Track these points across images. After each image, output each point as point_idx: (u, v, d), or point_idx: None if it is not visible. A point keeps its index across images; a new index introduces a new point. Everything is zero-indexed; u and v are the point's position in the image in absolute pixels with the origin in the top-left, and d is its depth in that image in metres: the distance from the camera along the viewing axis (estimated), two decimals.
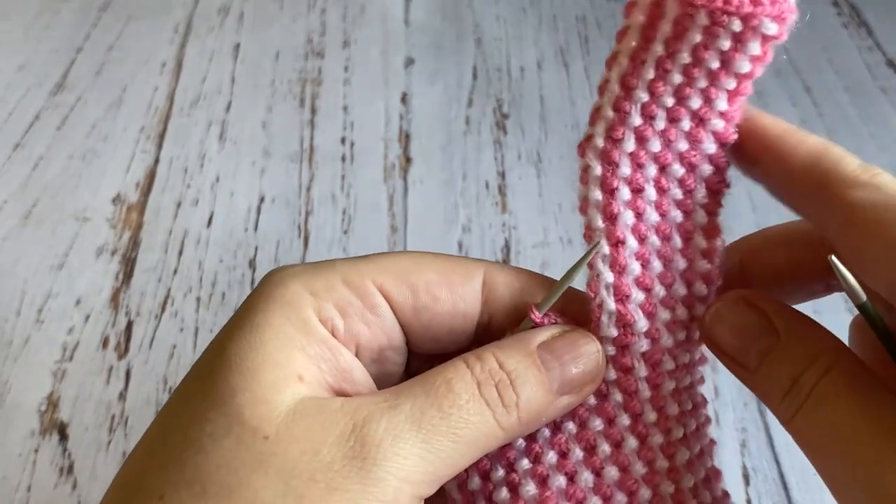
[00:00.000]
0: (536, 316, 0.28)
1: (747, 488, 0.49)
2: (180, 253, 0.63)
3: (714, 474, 0.29)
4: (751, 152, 0.28)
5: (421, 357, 0.29)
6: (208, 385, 0.24)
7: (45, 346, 0.57)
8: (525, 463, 0.28)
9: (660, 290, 0.28)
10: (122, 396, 0.54)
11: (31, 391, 0.55)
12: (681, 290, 0.28)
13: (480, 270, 0.28)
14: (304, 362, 0.25)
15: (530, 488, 0.27)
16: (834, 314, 0.39)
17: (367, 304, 0.26)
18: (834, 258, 0.25)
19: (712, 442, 0.30)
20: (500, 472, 0.28)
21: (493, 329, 0.29)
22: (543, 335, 0.27)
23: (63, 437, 0.52)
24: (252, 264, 0.62)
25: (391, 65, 0.80)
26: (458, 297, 0.27)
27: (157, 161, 0.71)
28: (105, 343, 0.57)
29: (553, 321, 0.28)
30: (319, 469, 0.23)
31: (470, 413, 0.25)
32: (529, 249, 0.62)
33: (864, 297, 0.25)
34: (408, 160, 0.70)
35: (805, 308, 0.28)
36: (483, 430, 0.25)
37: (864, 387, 0.24)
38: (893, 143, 0.68)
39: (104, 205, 0.67)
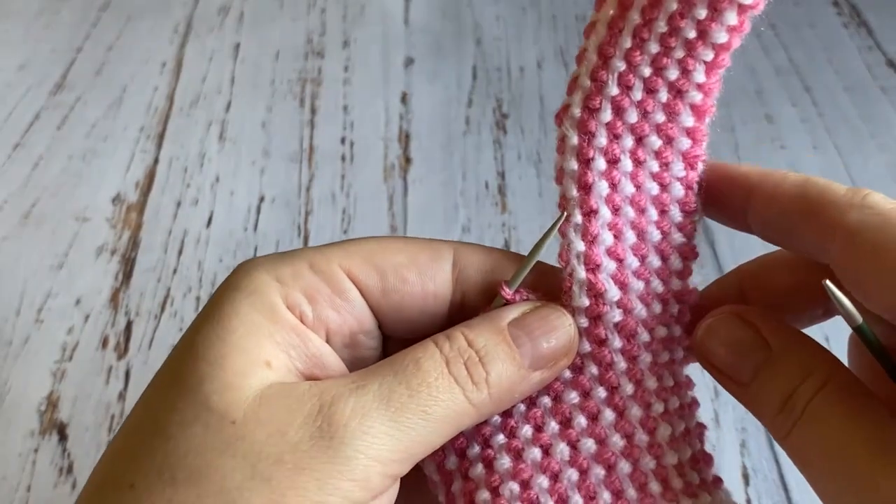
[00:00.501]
0: (507, 293, 0.28)
1: (747, 488, 0.49)
2: (180, 253, 0.63)
3: (704, 458, 0.29)
4: (737, 200, 0.28)
5: (397, 342, 0.29)
6: (177, 375, 0.25)
7: (44, 346, 0.57)
8: (500, 438, 0.28)
9: (633, 261, 0.28)
10: (121, 396, 0.54)
11: (31, 391, 0.55)
12: (655, 261, 0.28)
13: (450, 251, 0.28)
14: (271, 349, 0.25)
15: (504, 462, 0.27)
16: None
17: (335, 289, 0.26)
18: (828, 282, 0.24)
19: (701, 426, 0.29)
20: (476, 449, 0.28)
21: (466, 309, 0.28)
22: (514, 312, 0.27)
23: (63, 437, 0.52)
24: None
25: (391, 65, 0.80)
26: (427, 279, 0.27)
27: (156, 161, 0.71)
28: (105, 343, 0.57)
29: (524, 297, 0.28)
30: (287, 450, 0.23)
31: (439, 390, 0.25)
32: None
33: (860, 319, 0.25)
34: (408, 160, 0.70)
35: (815, 332, 0.27)
36: (453, 407, 0.25)
37: (859, 402, 0.24)
38: (893, 143, 0.68)
39: (104, 205, 0.67)
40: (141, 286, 0.61)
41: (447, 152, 0.70)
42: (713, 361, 0.27)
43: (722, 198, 0.28)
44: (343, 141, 0.72)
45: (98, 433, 0.52)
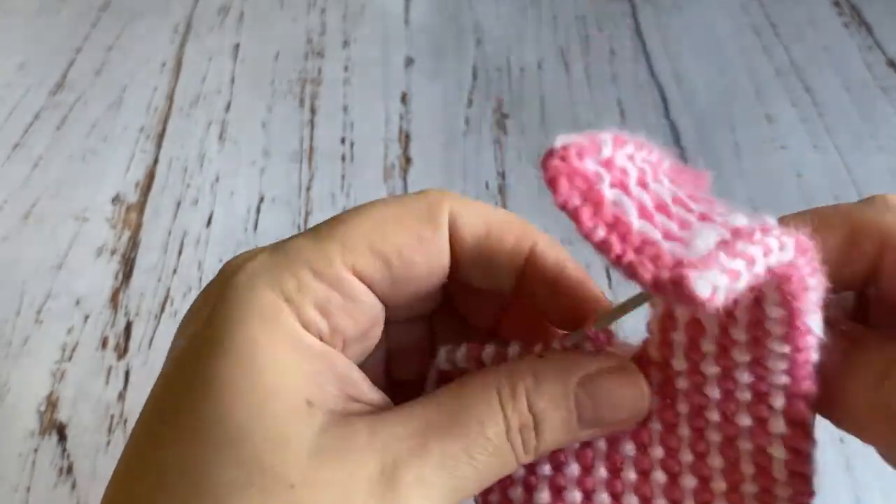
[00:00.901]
0: (591, 332, 0.26)
1: None
2: (180, 253, 0.63)
3: None
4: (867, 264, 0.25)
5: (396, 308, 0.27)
6: (208, 423, 0.22)
7: (44, 347, 0.57)
8: (546, 469, 0.27)
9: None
10: (121, 397, 0.54)
11: (31, 391, 0.54)
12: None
13: (446, 213, 0.26)
14: (305, 383, 0.23)
15: (543, 496, 0.27)
16: None
17: (345, 294, 0.24)
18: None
19: None
20: (521, 472, 0.27)
21: (458, 274, 0.27)
22: (589, 367, 0.25)
23: (62, 437, 0.52)
24: None
25: (391, 65, 0.80)
26: (431, 257, 0.25)
27: (156, 161, 0.71)
28: (104, 343, 0.57)
29: (606, 340, 0.26)
30: None
31: (496, 457, 0.24)
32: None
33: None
34: (408, 160, 0.70)
35: None
36: (502, 470, 0.24)
37: None
38: (893, 143, 0.68)
39: (104, 205, 0.67)
40: (141, 286, 0.61)
41: (447, 152, 0.70)
42: None
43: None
44: (343, 141, 0.72)
45: (98, 433, 0.52)
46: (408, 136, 0.72)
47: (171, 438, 0.23)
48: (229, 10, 0.87)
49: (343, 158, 0.70)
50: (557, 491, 0.27)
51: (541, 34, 0.82)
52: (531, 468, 0.27)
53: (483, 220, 0.26)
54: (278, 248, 0.25)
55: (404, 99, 0.76)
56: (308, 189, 0.68)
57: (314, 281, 0.24)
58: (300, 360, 0.23)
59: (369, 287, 0.25)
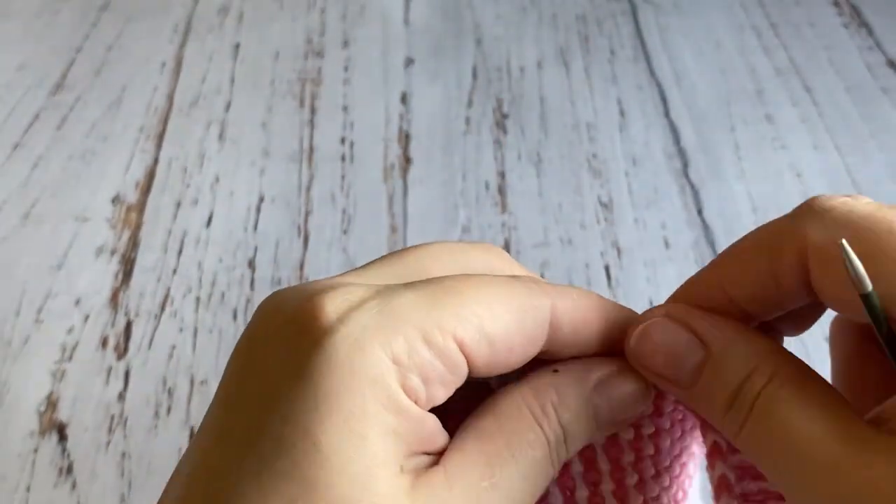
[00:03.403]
0: None
1: None
2: (180, 253, 0.63)
3: None
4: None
5: None
6: (312, 486, 0.21)
7: (44, 346, 0.57)
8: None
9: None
10: (121, 397, 0.54)
11: (31, 391, 0.54)
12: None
13: (548, 307, 0.26)
14: (400, 449, 0.23)
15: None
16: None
17: (448, 366, 0.24)
18: (845, 242, 0.23)
19: None
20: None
21: (547, 357, 0.27)
22: (603, 370, 0.26)
23: (62, 437, 0.52)
24: (251, 264, 0.62)
25: (391, 65, 0.80)
26: (528, 346, 0.26)
27: (156, 161, 0.71)
28: (104, 343, 0.57)
29: None
30: None
31: (543, 477, 0.25)
32: (529, 250, 0.62)
33: (870, 286, 0.23)
34: (407, 160, 0.70)
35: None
36: (543, 483, 0.25)
37: (812, 390, 0.23)
38: (893, 143, 0.68)
39: (103, 205, 0.67)
40: (141, 286, 0.61)
41: (447, 152, 0.70)
42: (653, 368, 0.26)
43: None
44: (343, 141, 0.72)
45: (98, 433, 0.52)
46: (408, 136, 0.72)
47: (273, 496, 0.22)
48: (229, 10, 0.87)
49: (343, 158, 0.70)
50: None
51: (541, 34, 0.82)
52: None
53: (580, 310, 0.27)
54: (386, 301, 0.24)
55: (404, 99, 0.76)
56: (308, 189, 0.68)
57: (423, 347, 0.24)
58: (397, 424, 0.23)
59: (468, 362, 0.25)
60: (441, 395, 0.24)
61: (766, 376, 0.24)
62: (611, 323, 0.27)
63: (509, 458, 0.24)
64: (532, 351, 0.26)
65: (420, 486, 0.23)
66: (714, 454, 0.28)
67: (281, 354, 0.24)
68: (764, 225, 0.26)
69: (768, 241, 0.25)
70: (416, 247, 0.28)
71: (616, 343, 0.27)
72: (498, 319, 0.25)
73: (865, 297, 0.24)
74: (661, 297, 0.38)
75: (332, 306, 0.23)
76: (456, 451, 0.24)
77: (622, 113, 0.73)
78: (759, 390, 0.24)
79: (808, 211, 0.25)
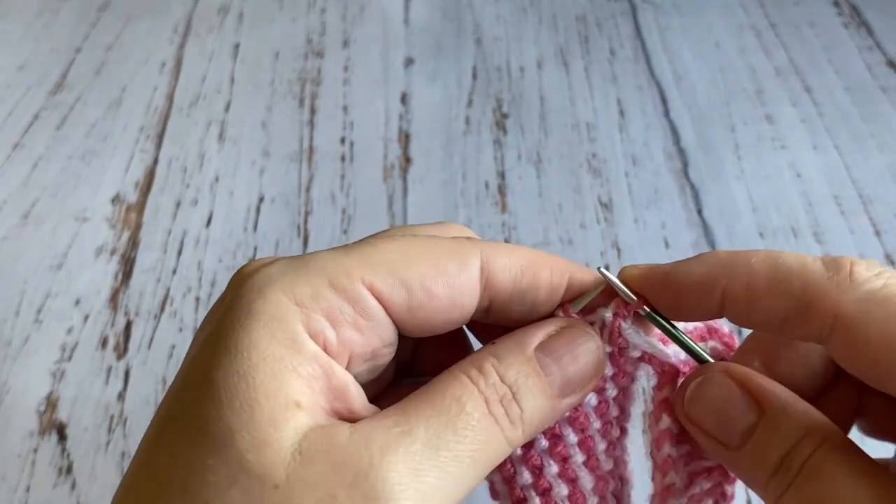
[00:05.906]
0: (567, 313, 0.28)
1: (748, 489, 0.49)
2: (179, 253, 0.63)
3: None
4: (708, 304, 0.26)
5: (408, 338, 0.28)
6: (200, 423, 0.22)
7: (44, 347, 0.57)
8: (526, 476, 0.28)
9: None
10: (121, 397, 0.54)
11: (31, 391, 0.54)
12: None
13: (477, 256, 0.26)
14: (298, 386, 0.23)
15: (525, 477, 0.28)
16: None
17: (358, 309, 0.24)
18: (602, 269, 0.26)
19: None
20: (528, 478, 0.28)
21: (493, 311, 0.27)
22: (540, 334, 0.26)
23: (62, 437, 0.52)
24: None
25: (391, 65, 0.80)
26: (455, 291, 0.25)
27: (156, 161, 0.71)
28: (104, 343, 0.57)
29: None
30: None
31: (485, 433, 0.24)
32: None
33: (635, 299, 0.26)
34: (408, 160, 0.70)
35: None
36: (494, 448, 0.24)
37: (859, 460, 0.24)
38: (893, 143, 0.68)
39: (103, 205, 0.67)
40: (140, 286, 0.61)
41: (447, 152, 0.70)
42: (700, 424, 0.26)
43: (689, 309, 0.27)
44: (343, 141, 0.72)
45: (97, 433, 0.52)
46: (408, 136, 0.72)
47: (169, 441, 0.23)
48: (229, 10, 0.87)
49: (343, 158, 0.70)
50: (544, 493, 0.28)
51: (541, 34, 0.82)
52: (539, 473, 0.28)
53: (515, 259, 0.27)
54: (298, 257, 0.25)
55: (404, 99, 0.76)
56: (308, 189, 0.68)
57: (329, 290, 0.24)
58: (297, 362, 0.23)
59: (385, 308, 0.25)
60: (358, 341, 0.25)
61: (817, 441, 0.24)
62: (555, 271, 0.27)
63: (429, 410, 0.24)
64: (467, 302, 0.26)
65: (320, 428, 0.22)
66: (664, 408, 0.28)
67: (207, 317, 0.25)
68: (793, 260, 0.25)
69: (802, 292, 0.24)
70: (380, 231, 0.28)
71: (567, 291, 0.27)
72: (413, 264, 0.25)
73: (648, 315, 0.27)
74: None
75: (248, 268, 0.25)
76: (374, 414, 0.24)
77: (622, 113, 0.73)
78: (809, 453, 0.24)
79: (845, 278, 0.24)
